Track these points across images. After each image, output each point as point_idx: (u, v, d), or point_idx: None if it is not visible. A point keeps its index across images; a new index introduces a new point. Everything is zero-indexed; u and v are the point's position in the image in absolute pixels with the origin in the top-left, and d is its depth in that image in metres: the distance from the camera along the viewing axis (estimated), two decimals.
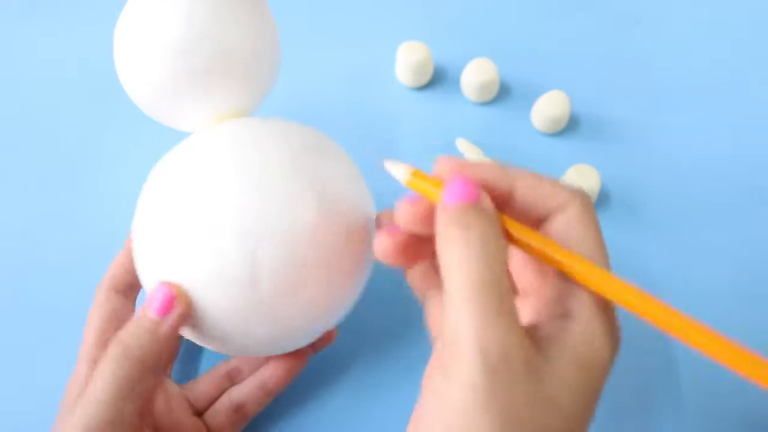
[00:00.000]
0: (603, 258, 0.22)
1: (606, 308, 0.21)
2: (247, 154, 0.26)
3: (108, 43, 0.32)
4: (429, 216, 0.22)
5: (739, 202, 0.40)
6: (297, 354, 0.31)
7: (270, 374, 0.31)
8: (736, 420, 0.33)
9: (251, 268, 0.25)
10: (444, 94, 0.45)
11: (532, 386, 0.19)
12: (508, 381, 0.18)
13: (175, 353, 0.33)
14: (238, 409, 0.31)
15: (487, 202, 0.21)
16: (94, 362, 0.27)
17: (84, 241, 0.39)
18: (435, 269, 0.25)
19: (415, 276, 0.26)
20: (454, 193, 0.21)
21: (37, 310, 0.37)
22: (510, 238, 0.22)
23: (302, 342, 0.29)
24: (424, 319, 0.26)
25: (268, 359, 0.31)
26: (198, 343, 0.29)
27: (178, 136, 0.30)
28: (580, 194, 0.22)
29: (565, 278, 0.22)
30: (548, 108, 0.42)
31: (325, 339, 0.32)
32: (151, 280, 0.27)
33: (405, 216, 0.23)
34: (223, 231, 0.25)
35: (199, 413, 0.31)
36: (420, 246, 0.23)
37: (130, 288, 0.31)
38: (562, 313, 0.21)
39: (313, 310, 0.26)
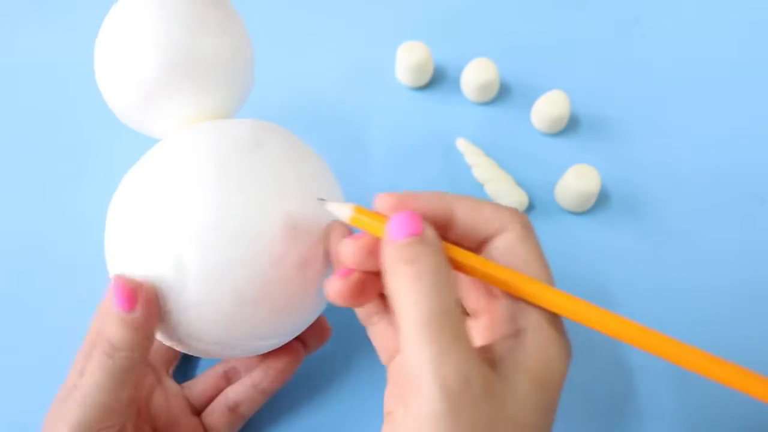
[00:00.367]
0: (546, 274, 0.23)
1: (554, 322, 0.22)
2: (205, 168, 0.26)
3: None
4: (375, 251, 0.23)
5: (739, 202, 0.40)
6: (290, 354, 0.31)
7: (264, 374, 0.31)
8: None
9: (183, 275, 0.25)
10: (444, 94, 0.45)
11: (494, 408, 0.19)
12: (470, 406, 0.19)
13: (176, 354, 0.33)
14: (234, 408, 0.31)
15: (430, 233, 0.22)
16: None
17: (85, 240, 0.39)
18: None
19: None
20: (398, 228, 0.21)
21: (37, 310, 0.37)
22: (455, 264, 0.22)
23: (265, 348, 0.29)
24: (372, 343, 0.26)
25: (262, 359, 0.31)
26: (168, 344, 0.29)
27: None
28: (519, 216, 0.23)
29: (513, 298, 0.22)
30: (548, 108, 0.42)
31: (319, 339, 0.32)
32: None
33: (350, 254, 0.23)
34: (180, 239, 0.25)
35: (198, 412, 0.32)
36: (370, 283, 0.24)
37: None
38: (514, 332, 0.22)
39: (266, 321, 0.26)
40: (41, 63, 0.48)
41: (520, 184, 0.40)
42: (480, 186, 0.41)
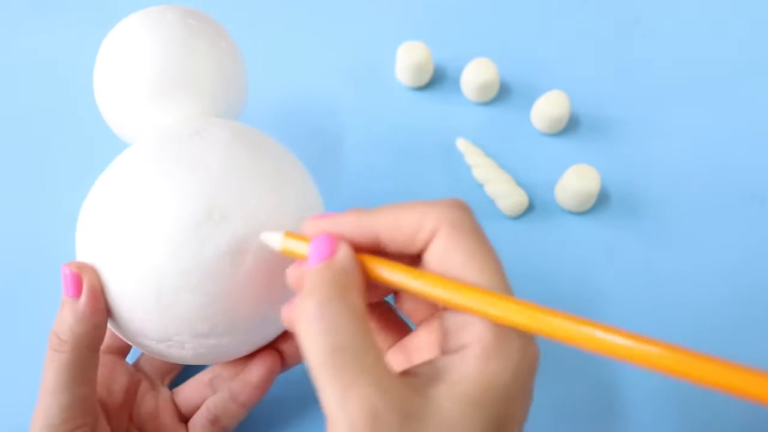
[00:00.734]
0: (489, 274, 0.21)
1: (501, 332, 0.20)
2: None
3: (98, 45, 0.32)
4: None
5: (739, 202, 0.40)
6: (265, 367, 0.30)
7: (240, 387, 0.30)
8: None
9: (115, 264, 0.26)
10: (444, 94, 0.45)
11: None
12: None
13: (175, 365, 0.33)
14: (215, 421, 0.30)
15: (341, 255, 0.21)
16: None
17: None
18: None
19: None
20: (313, 254, 0.21)
21: (37, 310, 0.37)
22: (383, 282, 0.22)
23: (222, 347, 0.28)
24: None
25: (240, 371, 0.30)
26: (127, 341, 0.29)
27: None
28: (447, 212, 0.21)
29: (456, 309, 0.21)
30: (548, 108, 0.42)
31: (298, 353, 0.31)
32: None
33: (293, 281, 0.23)
34: (113, 229, 0.26)
35: (185, 419, 0.31)
36: None
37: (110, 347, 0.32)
38: (459, 346, 0.20)
39: (200, 313, 0.26)
40: (41, 63, 0.48)
41: (520, 184, 0.40)
42: (480, 186, 0.41)
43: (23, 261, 0.39)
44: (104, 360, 0.30)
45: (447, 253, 0.21)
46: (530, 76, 0.46)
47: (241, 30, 0.40)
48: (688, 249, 0.39)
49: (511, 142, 0.43)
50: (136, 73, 0.30)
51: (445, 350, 0.21)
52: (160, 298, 0.25)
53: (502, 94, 0.45)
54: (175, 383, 0.33)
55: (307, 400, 0.33)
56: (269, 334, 0.29)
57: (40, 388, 0.25)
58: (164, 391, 0.32)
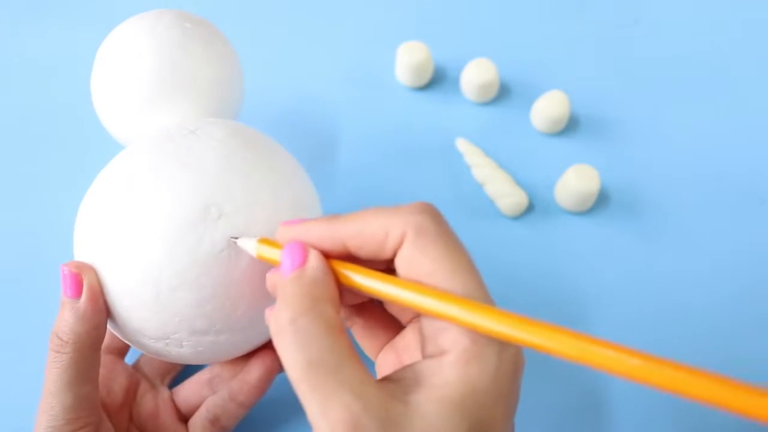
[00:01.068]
0: (461, 277, 0.20)
1: (479, 337, 0.20)
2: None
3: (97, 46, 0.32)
4: None
5: (739, 202, 0.40)
6: (264, 367, 0.30)
7: (239, 387, 0.30)
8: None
9: (113, 263, 0.26)
10: (444, 94, 0.45)
11: None
12: None
13: (174, 365, 0.33)
14: (215, 421, 0.30)
15: (312, 264, 0.21)
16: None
17: None
18: None
19: None
20: (285, 264, 0.21)
21: (37, 310, 0.37)
22: (356, 290, 0.22)
23: (220, 345, 0.28)
24: None
25: (240, 370, 0.31)
26: (124, 340, 0.29)
27: None
28: (414, 219, 0.21)
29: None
30: (548, 108, 0.42)
31: None
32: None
33: (269, 287, 0.23)
34: (110, 229, 0.26)
35: (184, 418, 0.31)
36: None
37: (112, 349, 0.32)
38: (438, 351, 0.20)
39: (197, 310, 0.26)
40: (39, 65, 0.48)
41: (520, 184, 0.40)
42: (480, 186, 0.41)
43: (21, 261, 0.39)
44: (104, 360, 0.30)
45: (414, 260, 0.21)
46: (530, 76, 0.46)
47: (241, 30, 0.40)
48: (688, 248, 0.39)
49: (511, 142, 0.43)
50: (133, 76, 0.31)
51: (424, 354, 0.21)
52: (158, 296, 0.25)
53: (502, 94, 0.45)
54: (173, 383, 0.33)
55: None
56: (267, 332, 0.29)
57: (43, 389, 0.25)
58: (164, 391, 0.32)
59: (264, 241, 0.24)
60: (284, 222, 0.23)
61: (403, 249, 0.21)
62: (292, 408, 0.34)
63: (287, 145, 0.31)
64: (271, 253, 0.24)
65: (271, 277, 0.23)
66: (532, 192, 0.41)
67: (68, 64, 0.47)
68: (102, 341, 0.26)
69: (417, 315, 0.24)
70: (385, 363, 0.25)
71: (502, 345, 0.20)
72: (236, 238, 0.25)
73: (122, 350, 0.33)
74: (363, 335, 0.26)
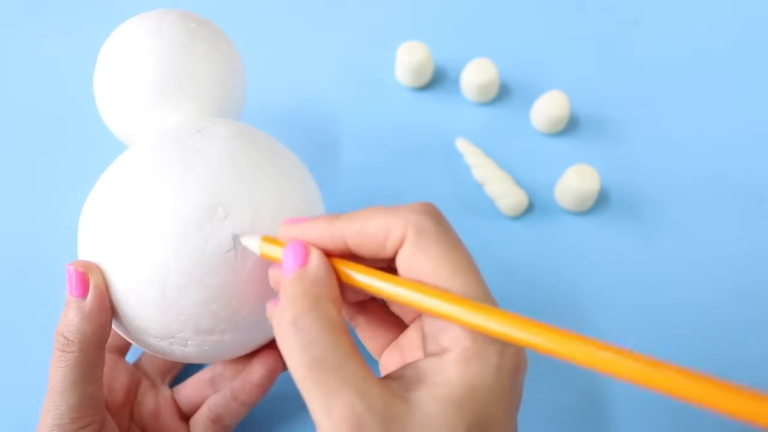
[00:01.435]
0: (462, 277, 0.20)
1: (480, 336, 0.20)
2: (135, 160, 0.27)
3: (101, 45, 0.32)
4: None
5: (739, 202, 0.40)
6: (267, 367, 0.30)
7: (241, 386, 0.30)
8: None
9: (119, 262, 0.26)
10: (444, 94, 0.45)
11: None
12: None
13: (175, 364, 0.33)
14: (217, 420, 0.30)
15: (314, 263, 0.21)
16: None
17: None
18: None
19: None
20: (287, 263, 0.22)
21: (37, 310, 0.37)
22: (360, 286, 0.22)
23: (224, 344, 0.28)
24: None
25: (242, 369, 0.31)
26: (128, 339, 0.29)
27: None
28: (414, 219, 0.21)
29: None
30: (548, 108, 0.42)
31: None
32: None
33: (273, 283, 0.24)
34: (116, 227, 0.26)
35: (186, 417, 0.32)
36: None
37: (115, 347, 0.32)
38: (440, 350, 0.20)
39: (203, 310, 0.26)
40: (41, 63, 0.48)
41: (519, 184, 0.41)
42: (480, 186, 0.41)
43: (23, 260, 0.39)
44: (105, 359, 0.30)
45: (414, 259, 0.21)
46: (530, 76, 0.46)
47: (241, 31, 0.40)
48: (688, 248, 0.39)
49: (510, 142, 0.43)
50: (136, 76, 0.31)
51: (426, 353, 0.21)
52: (164, 295, 0.25)
53: (502, 94, 0.45)
54: (174, 382, 0.33)
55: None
56: (270, 332, 0.29)
57: (48, 387, 0.25)
58: (165, 390, 0.32)
59: (267, 239, 0.24)
60: (287, 220, 0.24)
61: (404, 248, 0.21)
62: (293, 406, 0.34)
63: (288, 145, 0.31)
64: (274, 251, 0.24)
65: (274, 273, 0.23)
66: (532, 192, 0.41)
67: (71, 62, 0.47)
68: (107, 340, 0.27)
69: (420, 314, 0.25)
70: (390, 362, 0.25)
71: (503, 343, 0.20)
72: (239, 235, 0.25)
73: (123, 349, 0.33)
74: (366, 334, 0.26)
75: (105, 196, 0.27)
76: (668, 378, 0.17)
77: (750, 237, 0.39)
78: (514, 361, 0.20)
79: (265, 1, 0.51)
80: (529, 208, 0.40)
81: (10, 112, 0.45)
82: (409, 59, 0.43)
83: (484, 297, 0.21)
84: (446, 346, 0.20)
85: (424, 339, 0.22)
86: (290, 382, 0.32)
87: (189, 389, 0.32)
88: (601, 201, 0.40)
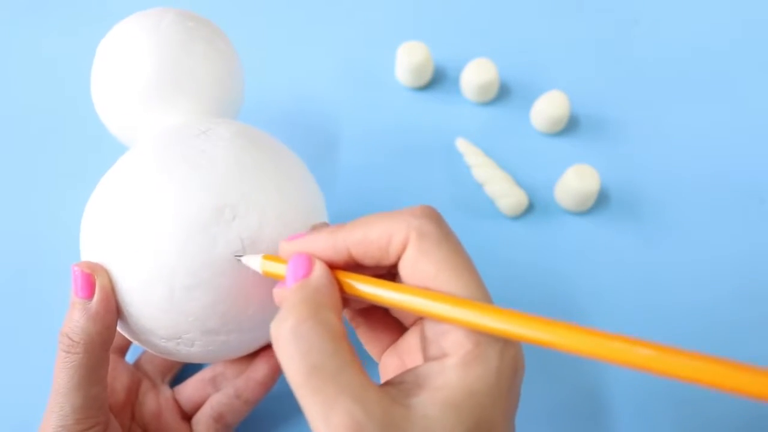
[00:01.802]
0: (464, 280, 0.21)
1: (481, 339, 0.20)
2: (141, 161, 0.27)
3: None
4: None
5: (739, 202, 0.40)
6: (270, 365, 0.30)
7: (245, 384, 0.30)
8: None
9: (125, 263, 0.26)
10: (444, 94, 0.45)
11: None
12: None
13: (175, 363, 0.33)
14: (219, 418, 0.31)
15: (317, 274, 0.21)
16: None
17: None
18: None
19: None
20: (289, 275, 0.22)
21: (37, 310, 0.37)
22: (363, 296, 0.22)
23: (230, 345, 0.28)
24: None
25: (245, 368, 0.31)
26: (131, 339, 0.29)
27: None
28: (416, 223, 0.21)
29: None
30: (548, 108, 0.42)
31: None
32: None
33: (277, 300, 0.23)
34: (123, 227, 0.26)
35: (188, 417, 0.32)
36: None
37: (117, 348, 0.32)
38: (440, 354, 0.21)
39: (211, 311, 0.26)
40: (41, 63, 0.48)
41: (519, 184, 0.41)
42: (480, 186, 0.41)
43: (23, 260, 0.39)
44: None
45: (417, 263, 0.21)
46: (530, 76, 0.46)
47: (241, 30, 0.40)
48: (687, 248, 0.39)
49: (510, 142, 0.43)
50: (134, 74, 0.31)
51: (426, 357, 0.21)
52: (172, 296, 0.25)
53: (502, 94, 0.45)
54: (173, 382, 0.33)
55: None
56: None
57: (52, 388, 0.25)
58: (165, 390, 0.32)
59: (268, 257, 0.24)
60: (288, 237, 0.24)
61: (407, 253, 0.21)
62: (292, 405, 0.34)
63: (288, 145, 0.31)
64: (277, 268, 0.24)
65: (278, 293, 0.23)
66: (532, 192, 0.41)
67: (72, 62, 0.47)
68: (112, 342, 0.27)
69: (419, 318, 0.25)
70: (389, 365, 0.25)
71: (503, 346, 0.20)
72: (240, 255, 0.26)
73: (123, 349, 0.33)
74: (367, 337, 0.26)
75: (110, 197, 0.27)
76: (680, 363, 0.17)
77: (750, 237, 0.39)
78: (513, 364, 0.21)
79: (265, 1, 0.51)
80: (529, 208, 0.40)
81: (10, 112, 0.45)
82: (409, 59, 0.43)
83: (485, 300, 0.21)
84: (447, 350, 0.20)
85: (424, 343, 0.22)
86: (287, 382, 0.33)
87: (190, 389, 0.32)
88: (601, 201, 0.40)
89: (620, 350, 0.18)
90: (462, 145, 0.42)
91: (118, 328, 0.28)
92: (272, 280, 0.26)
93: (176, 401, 0.32)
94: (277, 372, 0.31)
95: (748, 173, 0.42)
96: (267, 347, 0.30)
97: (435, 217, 0.22)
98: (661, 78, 0.46)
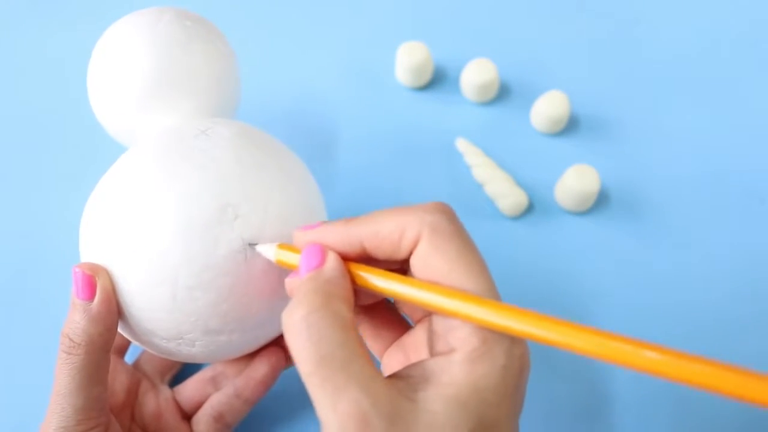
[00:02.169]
0: (474, 276, 0.21)
1: (488, 336, 0.20)
2: (141, 162, 0.27)
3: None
4: None
5: (739, 202, 0.40)
6: (270, 364, 0.30)
7: (244, 383, 0.30)
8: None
9: (127, 265, 0.26)
10: (444, 94, 0.45)
11: None
12: None
13: (174, 363, 0.33)
14: (219, 418, 0.31)
15: (330, 265, 0.22)
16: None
17: None
18: None
19: None
20: (303, 265, 0.22)
21: (37, 310, 0.37)
22: (374, 288, 0.22)
23: (232, 344, 0.28)
24: None
25: (245, 367, 0.31)
26: (133, 340, 0.29)
27: None
28: (429, 218, 0.21)
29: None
30: (548, 108, 0.42)
31: None
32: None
33: (288, 291, 0.24)
34: (123, 229, 0.26)
35: (188, 416, 0.32)
36: None
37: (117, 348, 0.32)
38: (448, 349, 0.21)
39: (213, 310, 0.26)
40: (43, 63, 0.48)
41: (519, 184, 0.41)
42: (480, 186, 0.41)
43: (23, 260, 0.39)
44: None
45: (429, 259, 0.21)
46: (530, 76, 0.46)
47: (241, 30, 0.40)
48: (688, 248, 0.39)
49: (510, 142, 0.43)
50: (131, 73, 0.30)
51: (433, 352, 0.21)
52: (174, 297, 0.25)
53: (502, 94, 0.45)
54: (173, 382, 0.33)
55: (308, 394, 0.33)
56: (275, 331, 0.29)
57: (53, 390, 0.25)
58: (165, 390, 0.32)
59: (283, 246, 0.24)
60: (302, 226, 0.24)
61: (419, 248, 0.21)
62: (292, 404, 0.34)
63: (288, 145, 0.31)
64: (290, 258, 0.24)
65: (290, 282, 0.23)
66: (532, 192, 0.41)
67: (74, 62, 0.47)
68: (113, 343, 0.27)
69: (427, 314, 0.25)
70: (392, 361, 0.25)
71: (510, 345, 0.20)
72: (254, 243, 0.25)
73: (122, 349, 0.33)
74: (369, 335, 0.26)
75: (110, 197, 0.27)
76: (684, 367, 0.17)
77: (750, 237, 0.39)
78: (519, 363, 0.21)
79: (265, 1, 0.51)
80: (529, 208, 0.40)
81: (10, 112, 0.46)
82: (409, 59, 0.43)
83: (495, 297, 0.21)
84: (454, 346, 0.20)
85: (432, 338, 0.22)
86: (289, 381, 0.33)
87: (190, 389, 0.32)
88: (601, 201, 0.40)
89: (628, 353, 0.18)
90: (462, 145, 0.42)
91: (119, 329, 0.28)
92: (274, 279, 0.26)
93: (176, 401, 0.32)
94: (276, 371, 0.31)
95: (748, 173, 0.42)
96: (267, 345, 0.30)
97: (448, 214, 0.22)
98: (661, 78, 0.46)
